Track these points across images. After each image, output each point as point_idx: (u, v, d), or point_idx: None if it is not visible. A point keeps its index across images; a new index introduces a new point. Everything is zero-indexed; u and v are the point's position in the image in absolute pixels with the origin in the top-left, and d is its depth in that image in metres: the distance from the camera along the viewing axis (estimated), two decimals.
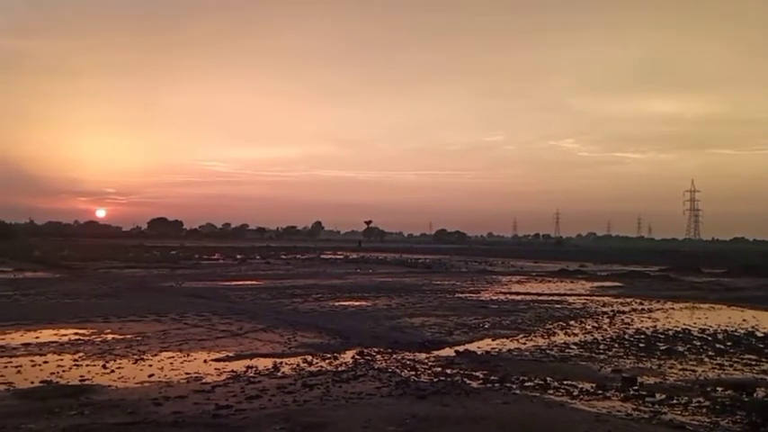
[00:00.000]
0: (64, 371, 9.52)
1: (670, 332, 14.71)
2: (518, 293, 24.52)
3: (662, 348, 12.54)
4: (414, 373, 9.79)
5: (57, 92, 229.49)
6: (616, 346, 12.71)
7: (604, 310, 19.24)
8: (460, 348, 12.00)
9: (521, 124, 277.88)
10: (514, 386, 8.96)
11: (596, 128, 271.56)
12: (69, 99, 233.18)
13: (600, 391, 8.71)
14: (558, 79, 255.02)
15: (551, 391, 8.71)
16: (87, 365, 9.94)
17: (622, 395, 8.54)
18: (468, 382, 9.21)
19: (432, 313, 17.47)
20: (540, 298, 22.72)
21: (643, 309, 19.77)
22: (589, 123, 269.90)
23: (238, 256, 53.94)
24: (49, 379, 8.94)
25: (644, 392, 8.66)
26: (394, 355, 11.15)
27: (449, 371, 9.93)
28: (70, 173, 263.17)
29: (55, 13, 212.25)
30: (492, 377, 9.46)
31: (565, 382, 9.19)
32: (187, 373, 9.46)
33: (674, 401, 8.24)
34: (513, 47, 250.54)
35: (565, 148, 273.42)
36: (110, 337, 12.73)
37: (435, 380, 9.28)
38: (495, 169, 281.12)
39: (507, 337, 13.59)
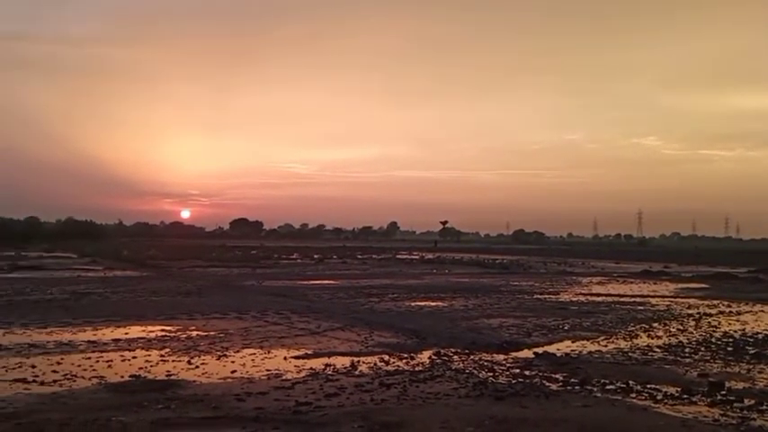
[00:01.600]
0: (151, 366, 9.88)
1: (759, 336, 14.09)
2: (599, 295, 23.95)
3: (751, 352, 12.02)
4: (491, 374, 9.71)
5: (145, 98, 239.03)
6: (702, 349, 12.27)
7: (689, 312, 18.59)
8: (539, 350, 11.83)
9: (602, 122, 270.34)
10: (595, 389, 8.77)
11: (681, 125, 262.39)
12: (156, 104, 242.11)
13: (685, 396, 8.43)
14: (641, 76, 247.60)
15: (634, 395, 8.49)
16: (173, 361, 10.29)
17: (709, 400, 8.24)
18: (547, 384, 9.08)
19: (509, 314, 17.28)
20: (622, 299, 22.13)
21: (731, 311, 19.00)
22: (673, 120, 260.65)
23: (316, 256, 54.66)
24: (137, 373, 9.30)
25: (732, 397, 8.32)
26: (471, 356, 11.09)
27: (527, 372, 9.81)
28: (157, 176, 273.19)
29: (143, 22, 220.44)
30: (572, 379, 9.29)
31: (648, 386, 8.93)
32: (268, 370, 9.67)
33: (764, 407, 7.88)
34: (593, 47, 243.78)
35: (648, 146, 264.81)
36: (194, 333, 13.14)
37: (513, 381, 9.18)
38: (575, 168, 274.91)
39: (588, 339, 13.31)
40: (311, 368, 9.86)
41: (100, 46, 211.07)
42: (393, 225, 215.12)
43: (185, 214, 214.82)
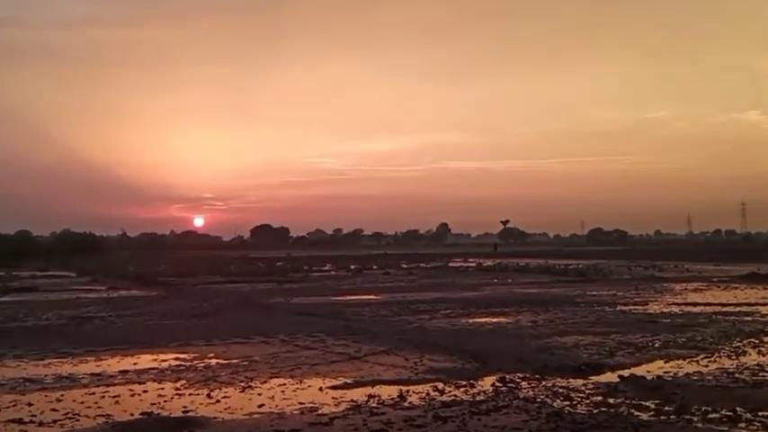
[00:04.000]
0: (165, 401, 10.04)
1: None
2: (696, 304, 23.63)
3: None
4: (568, 402, 9.65)
5: (149, 86, 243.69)
6: None
7: None
8: (625, 372, 11.71)
9: (692, 96, 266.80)
10: (695, 418, 8.66)
11: None
12: (162, 93, 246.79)
13: None
14: (738, 36, 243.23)
15: (743, 425, 8.36)
16: (190, 394, 10.44)
17: None
18: (635, 413, 8.99)
19: (588, 330, 17.14)
20: (725, 309, 21.78)
21: None
22: None
23: (352, 267, 54.93)
24: (149, 410, 9.44)
25: None
26: (543, 382, 11.03)
27: (611, 400, 9.72)
28: (165, 178, 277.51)
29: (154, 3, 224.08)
30: (666, 407, 9.18)
31: (760, 414, 8.78)
32: (301, 403, 9.75)
33: None
34: (677, 6, 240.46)
35: (750, 122, 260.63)
36: (213, 361, 13.31)
37: (595, 411, 9.11)
38: (660, 152, 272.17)
39: (684, 358, 13.13)
40: (352, 400, 9.91)
41: (96, 28, 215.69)
42: (443, 227, 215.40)
43: (199, 222, 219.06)
